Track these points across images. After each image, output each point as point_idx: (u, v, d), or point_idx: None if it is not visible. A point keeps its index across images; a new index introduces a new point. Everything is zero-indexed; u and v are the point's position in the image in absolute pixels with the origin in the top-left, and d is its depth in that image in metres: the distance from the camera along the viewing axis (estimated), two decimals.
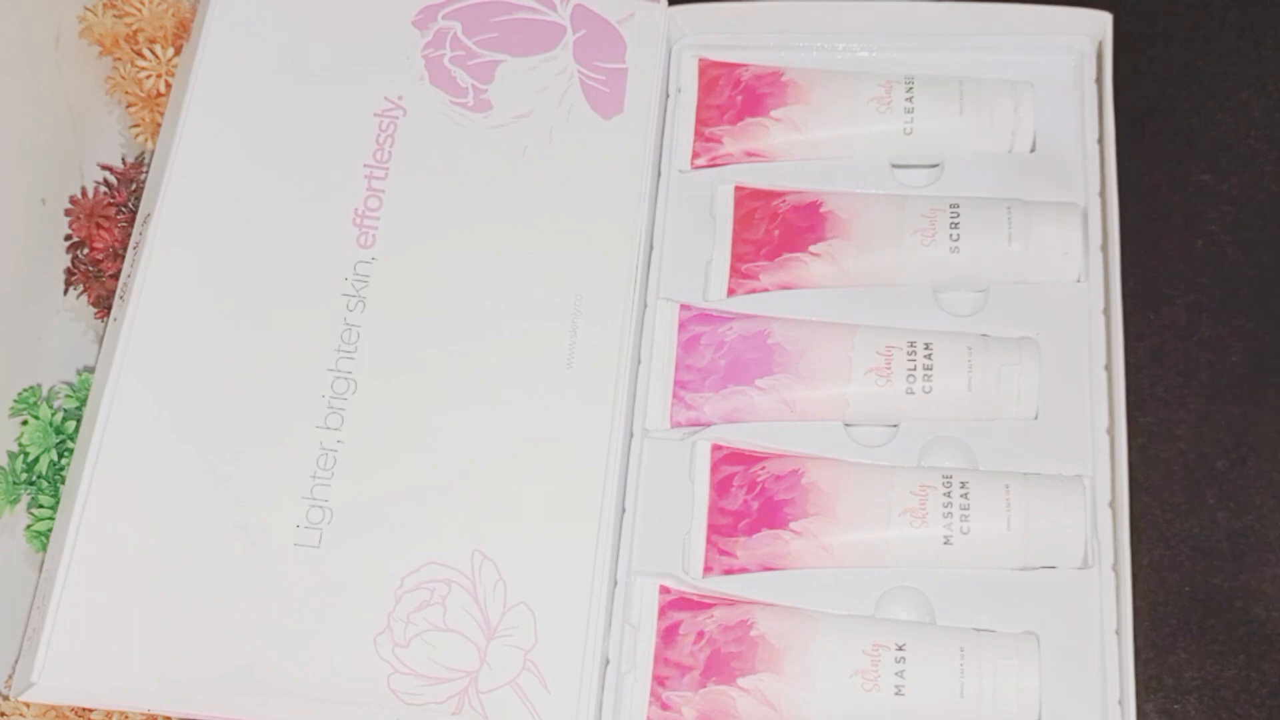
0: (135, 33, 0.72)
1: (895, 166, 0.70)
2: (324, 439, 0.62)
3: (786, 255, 0.68)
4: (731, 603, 0.62)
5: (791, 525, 0.63)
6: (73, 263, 0.70)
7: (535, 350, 0.65)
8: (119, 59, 0.72)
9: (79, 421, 0.65)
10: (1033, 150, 0.69)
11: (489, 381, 0.64)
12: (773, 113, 0.70)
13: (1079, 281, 0.67)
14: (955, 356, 0.65)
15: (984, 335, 0.66)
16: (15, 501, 0.65)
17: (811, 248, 0.68)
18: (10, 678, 0.62)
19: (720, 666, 0.61)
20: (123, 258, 0.69)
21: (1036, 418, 0.64)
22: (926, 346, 0.65)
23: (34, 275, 0.69)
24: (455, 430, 0.63)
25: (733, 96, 0.72)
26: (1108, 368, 0.65)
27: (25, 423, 0.65)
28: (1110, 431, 0.64)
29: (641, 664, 0.62)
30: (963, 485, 0.62)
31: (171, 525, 0.60)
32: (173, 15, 0.72)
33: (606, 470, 0.63)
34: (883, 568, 0.63)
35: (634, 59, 0.71)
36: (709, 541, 0.64)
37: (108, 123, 0.74)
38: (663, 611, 0.63)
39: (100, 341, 0.69)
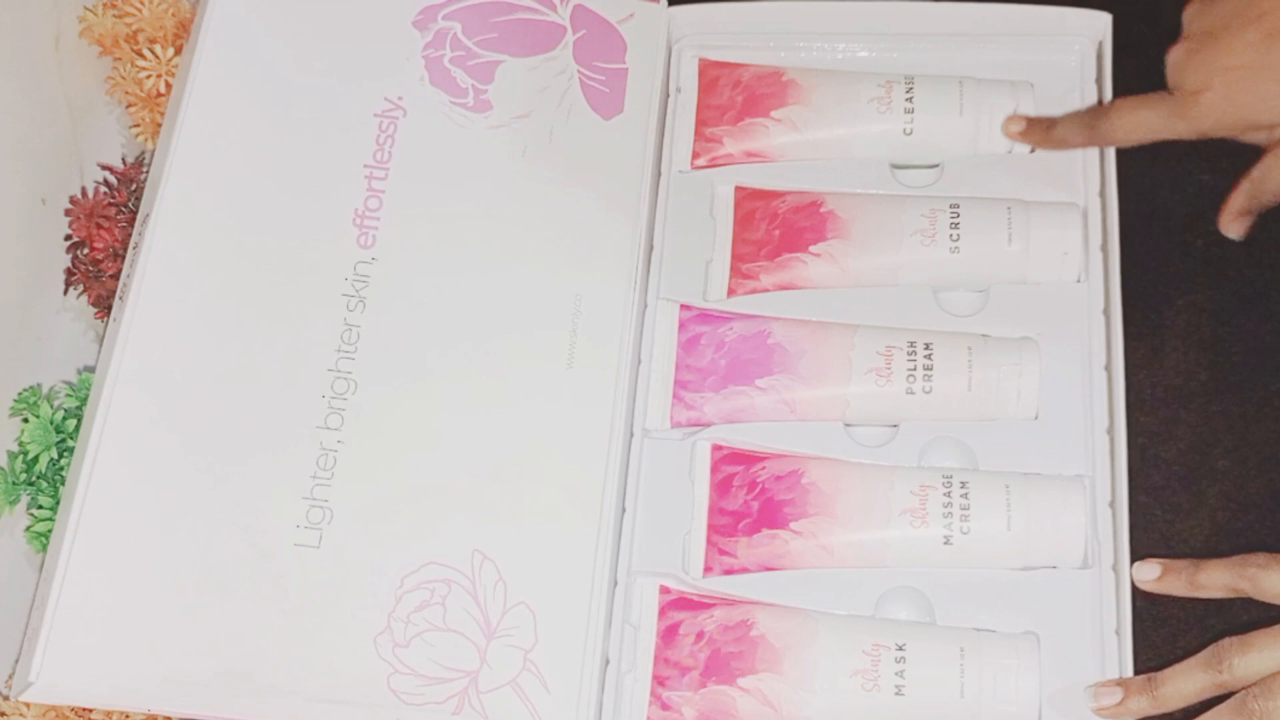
0: (135, 33, 0.72)
1: (895, 167, 0.70)
2: (324, 439, 0.62)
3: (787, 255, 0.68)
4: (731, 603, 0.62)
5: (791, 525, 0.63)
6: (73, 263, 0.70)
7: (535, 350, 0.65)
8: (119, 59, 0.72)
9: (79, 421, 0.65)
10: (1033, 150, 0.69)
11: (489, 382, 0.64)
12: (773, 113, 0.70)
13: (1079, 281, 0.67)
14: (955, 357, 0.65)
15: (984, 335, 0.66)
16: (15, 501, 0.65)
17: (812, 248, 0.68)
18: (10, 678, 0.62)
19: (720, 666, 0.61)
20: (123, 258, 0.69)
21: (1036, 418, 0.64)
22: (926, 347, 0.65)
23: (34, 275, 0.69)
24: (455, 430, 0.63)
25: (733, 96, 0.72)
26: (1108, 368, 0.65)
27: (25, 421, 0.65)
28: (1110, 431, 0.64)
29: (641, 664, 0.62)
30: (963, 485, 0.62)
31: (171, 525, 0.60)
32: (173, 15, 0.72)
33: (606, 470, 0.63)
34: (883, 568, 0.63)
35: (634, 59, 0.71)
36: (709, 541, 0.64)
37: (108, 123, 0.74)
38: (663, 611, 0.63)
39: (100, 341, 0.69)
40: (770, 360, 0.66)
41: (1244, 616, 0.62)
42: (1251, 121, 0.62)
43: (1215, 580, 0.59)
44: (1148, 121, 0.63)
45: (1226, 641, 0.57)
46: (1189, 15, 0.63)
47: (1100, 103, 0.69)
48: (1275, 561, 0.58)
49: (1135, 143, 0.65)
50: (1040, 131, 0.67)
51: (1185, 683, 0.57)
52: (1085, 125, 0.66)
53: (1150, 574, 0.61)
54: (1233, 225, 0.67)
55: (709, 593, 0.63)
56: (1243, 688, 0.56)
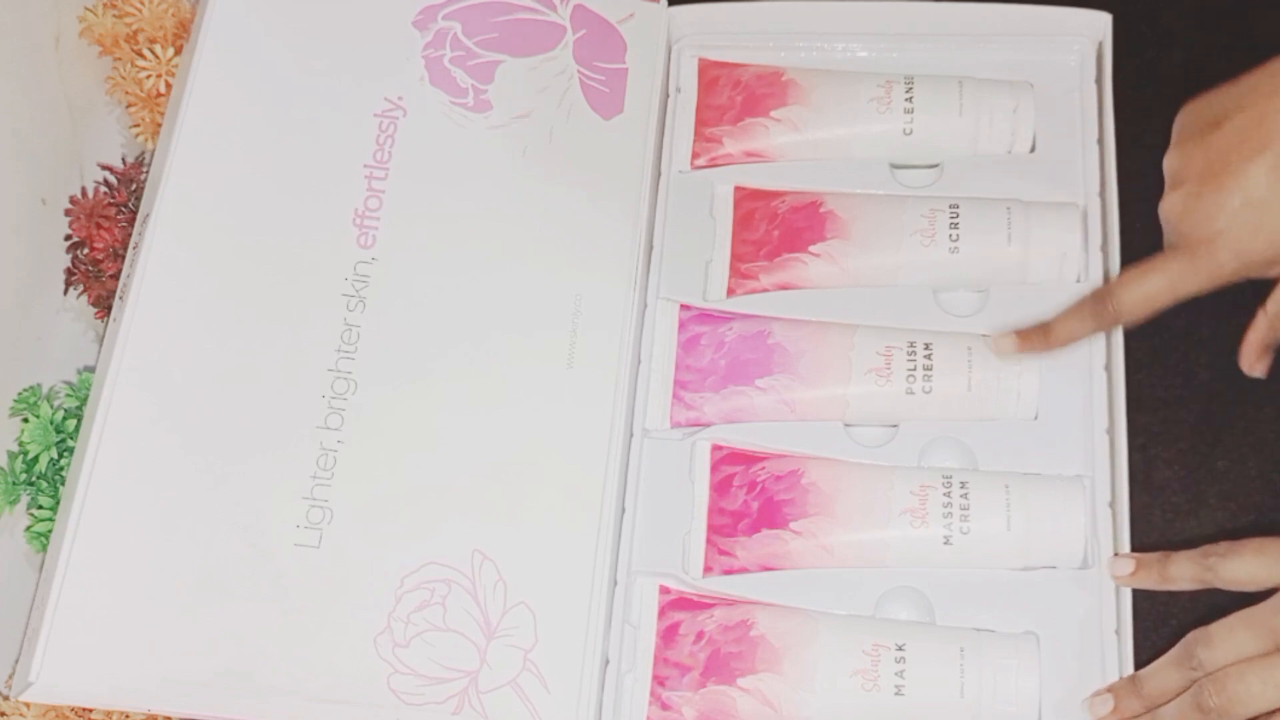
0: (135, 33, 0.72)
1: (895, 167, 0.70)
2: (324, 439, 0.62)
3: (786, 255, 0.68)
4: (731, 603, 0.62)
5: (791, 525, 0.63)
6: (73, 263, 0.70)
7: (535, 350, 0.65)
8: (119, 59, 0.72)
9: (79, 421, 0.65)
10: (1033, 150, 0.69)
11: (489, 382, 0.64)
12: (773, 113, 0.70)
13: (1079, 282, 0.67)
14: (955, 357, 0.65)
15: (984, 336, 0.66)
16: (15, 501, 0.65)
17: (811, 248, 0.68)
18: (10, 678, 0.62)
19: (720, 666, 0.61)
20: (123, 258, 0.69)
21: (1036, 418, 0.64)
22: (926, 347, 0.65)
23: (34, 275, 0.69)
24: (455, 430, 0.63)
25: (733, 96, 0.72)
26: (1108, 368, 0.65)
27: (25, 421, 0.65)
28: (1110, 432, 0.64)
29: (641, 664, 0.62)
30: (963, 485, 0.62)
31: (171, 525, 0.60)
32: (173, 15, 0.72)
33: (606, 470, 0.63)
34: (883, 568, 0.63)
35: (634, 59, 0.71)
36: (709, 541, 0.64)
37: (108, 123, 0.74)
38: (663, 611, 0.63)
39: (100, 341, 0.69)
40: (770, 360, 0.66)
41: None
42: (1277, 257, 0.56)
43: (1182, 573, 0.59)
44: (1160, 288, 0.58)
45: (1192, 635, 0.57)
46: (1175, 162, 0.57)
47: (1100, 103, 0.69)
48: (1235, 549, 0.57)
49: (1152, 314, 0.60)
50: (1040, 338, 0.62)
51: (1165, 679, 0.57)
52: (1091, 314, 0.61)
53: (1124, 569, 0.61)
54: (1257, 365, 0.63)
55: (709, 593, 0.63)
56: None
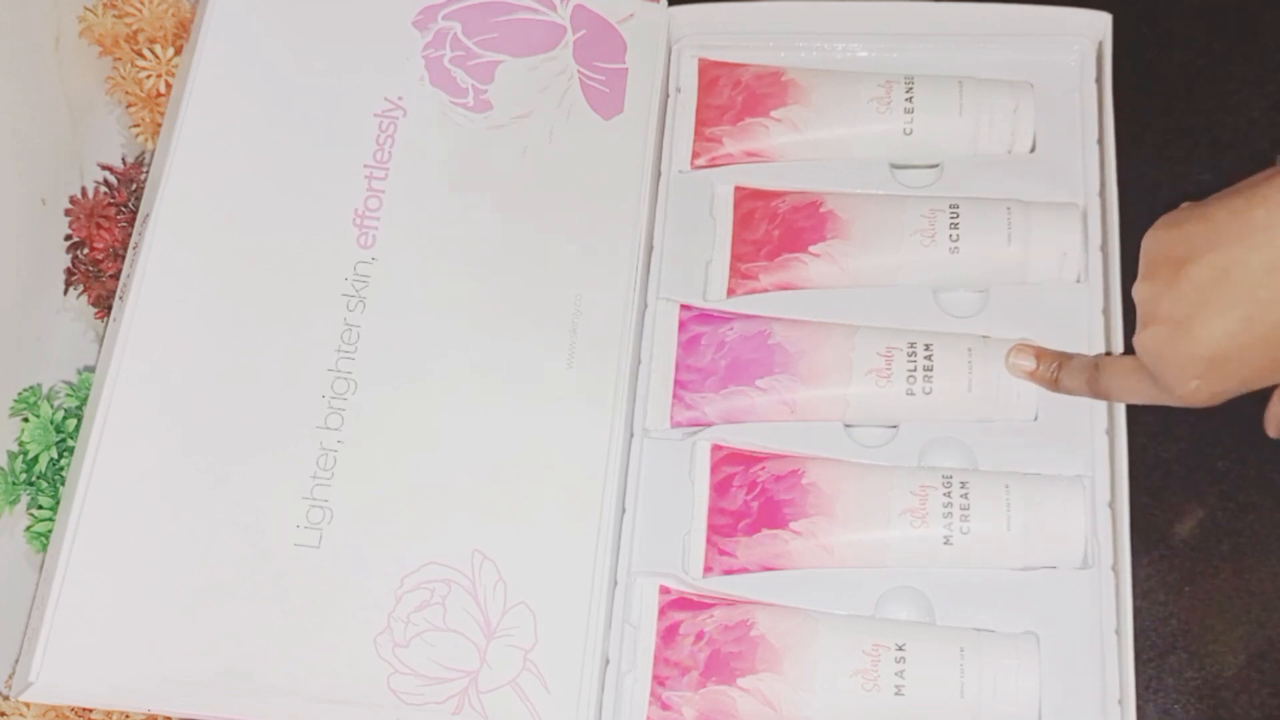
0: (135, 33, 0.72)
1: (895, 167, 0.70)
2: (324, 439, 0.62)
3: (786, 255, 0.68)
4: (731, 603, 0.62)
5: (791, 525, 0.63)
6: (73, 263, 0.70)
7: (535, 350, 0.65)
8: (119, 59, 0.72)
9: (79, 420, 0.65)
10: (1033, 150, 0.69)
11: (489, 382, 0.64)
12: (773, 113, 0.70)
13: (1079, 282, 0.67)
14: (955, 358, 0.65)
15: (984, 336, 0.66)
16: (15, 501, 0.65)
17: (811, 248, 0.68)
18: (10, 678, 0.62)
19: (720, 666, 0.61)
20: (123, 258, 0.69)
21: (1036, 418, 0.64)
22: (927, 348, 0.65)
23: (34, 275, 0.69)
24: (455, 430, 0.63)
25: (733, 96, 0.72)
26: None
27: (25, 420, 0.65)
28: (1110, 432, 0.64)
29: (641, 664, 0.62)
30: (963, 485, 0.62)
31: (171, 525, 0.60)
32: (173, 15, 0.72)
33: (606, 470, 0.63)
34: (883, 568, 0.63)
35: (634, 59, 0.71)
36: (709, 541, 0.64)
37: (108, 123, 0.74)
38: (663, 611, 0.63)
39: (100, 341, 0.69)
40: (770, 360, 0.66)
41: (1244, 618, 0.62)
42: (1251, 387, 0.56)
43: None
44: (1141, 391, 0.58)
45: None
46: (1148, 295, 0.55)
47: (1100, 103, 0.69)
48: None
49: (1131, 402, 0.61)
50: (1047, 376, 0.64)
51: None
52: (1087, 380, 0.62)
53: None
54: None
55: (709, 593, 0.63)
56: None
